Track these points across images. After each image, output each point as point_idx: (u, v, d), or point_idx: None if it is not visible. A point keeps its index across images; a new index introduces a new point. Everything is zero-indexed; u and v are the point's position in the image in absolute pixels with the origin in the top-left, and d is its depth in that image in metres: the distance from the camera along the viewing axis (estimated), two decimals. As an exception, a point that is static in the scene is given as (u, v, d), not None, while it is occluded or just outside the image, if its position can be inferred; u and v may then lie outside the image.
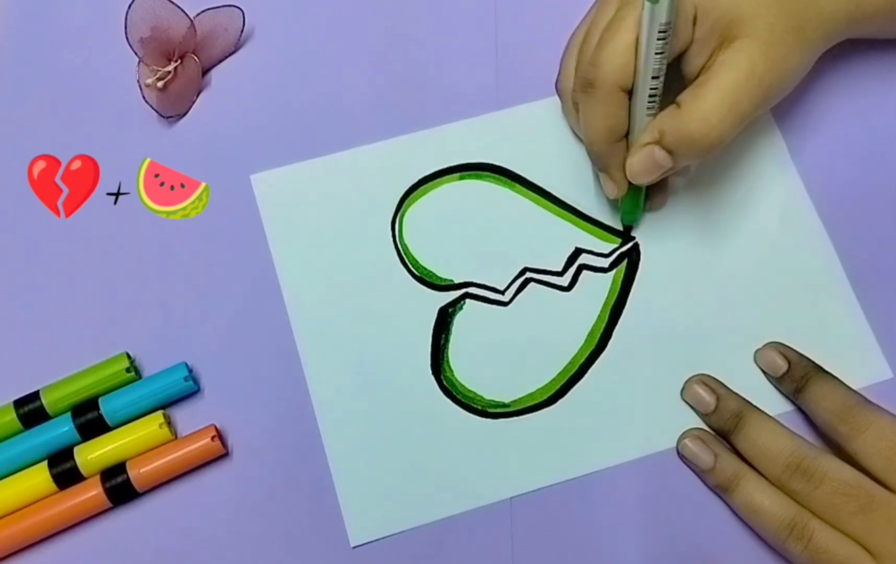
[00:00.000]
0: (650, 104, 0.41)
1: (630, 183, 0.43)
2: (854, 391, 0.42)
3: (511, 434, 0.44)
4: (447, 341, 0.45)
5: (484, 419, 0.44)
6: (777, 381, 0.44)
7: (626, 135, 0.42)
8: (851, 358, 0.44)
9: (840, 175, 0.48)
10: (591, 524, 0.42)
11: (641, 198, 0.45)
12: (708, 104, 0.40)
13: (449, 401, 0.44)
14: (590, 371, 0.45)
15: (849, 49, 0.47)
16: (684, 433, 0.43)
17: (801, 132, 0.49)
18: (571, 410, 0.44)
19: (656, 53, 0.39)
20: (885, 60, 0.49)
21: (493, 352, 0.45)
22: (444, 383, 0.45)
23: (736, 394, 0.43)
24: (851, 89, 0.49)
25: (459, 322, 0.46)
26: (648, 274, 0.46)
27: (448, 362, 0.45)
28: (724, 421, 0.42)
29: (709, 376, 0.44)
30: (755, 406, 0.43)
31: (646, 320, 0.46)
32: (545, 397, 0.44)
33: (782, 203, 0.47)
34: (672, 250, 0.47)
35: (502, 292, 0.46)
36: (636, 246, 0.47)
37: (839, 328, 0.45)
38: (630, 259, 0.47)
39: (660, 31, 0.39)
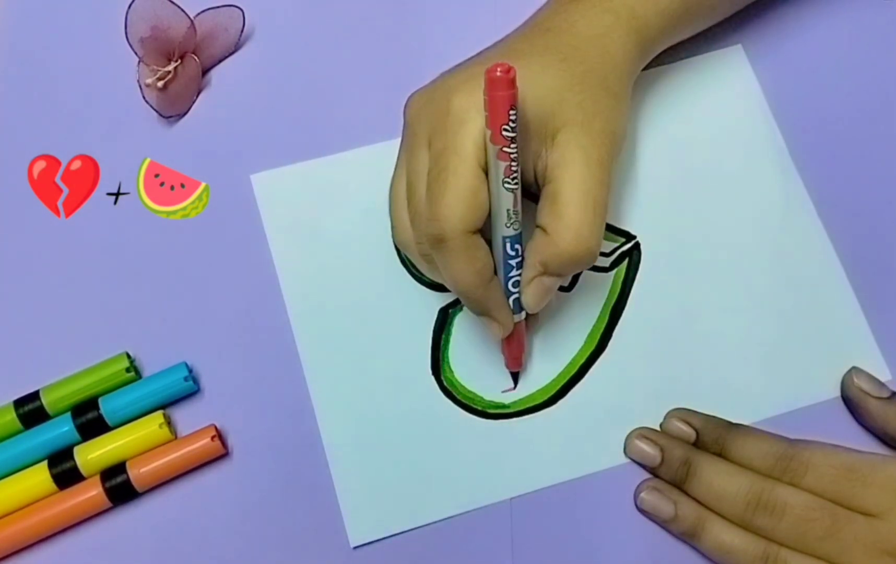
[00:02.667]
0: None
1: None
2: (776, 436, 0.42)
3: (511, 435, 0.44)
4: (447, 341, 0.45)
5: (484, 420, 0.44)
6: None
7: (496, 271, 0.41)
8: (851, 358, 0.44)
9: (840, 175, 0.48)
10: (590, 524, 0.42)
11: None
12: (574, 220, 0.38)
13: (449, 401, 0.44)
14: (590, 372, 0.45)
15: (849, 49, 0.48)
16: (639, 486, 0.42)
17: (801, 132, 0.49)
18: (571, 411, 0.44)
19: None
20: (884, 59, 0.49)
21: (494, 353, 0.45)
22: (444, 383, 0.45)
23: (679, 441, 0.42)
24: (851, 89, 0.49)
25: (459, 322, 0.46)
26: (648, 274, 0.46)
27: (448, 362, 0.45)
28: (673, 471, 0.42)
29: (648, 428, 0.43)
30: (701, 451, 0.42)
31: (646, 320, 0.46)
32: (545, 397, 0.44)
33: (782, 203, 0.47)
34: (672, 250, 0.47)
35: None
36: (637, 246, 0.47)
37: (838, 329, 0.45)
38: (630, 259, 0.47)
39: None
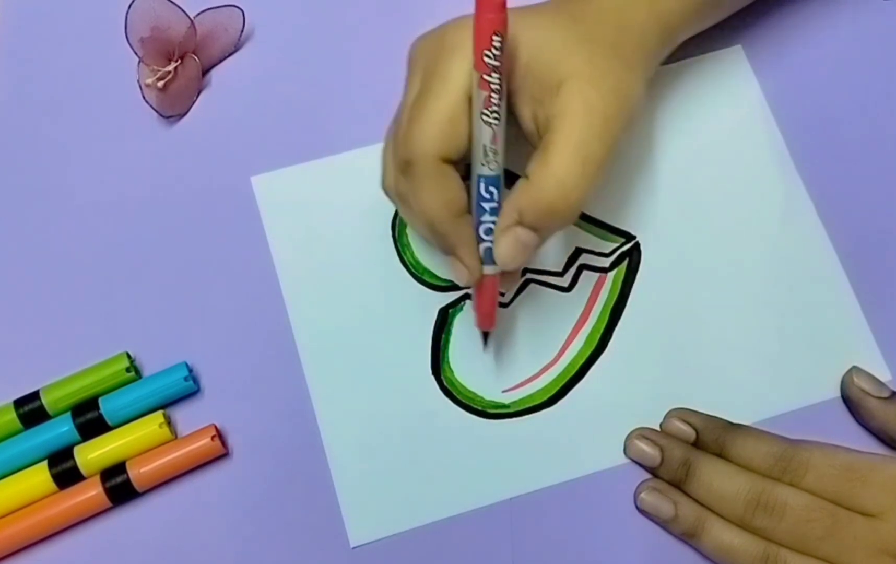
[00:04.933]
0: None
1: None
2: (775, 436, 0.42)
3: (511, 435, 0.44)
4: (447, 341, 0.45)
5: (484, 420, 0.44)
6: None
7: (471, 213, 0.39)
8: (851, 358, 0.44)
9: (840, 175, 0.48)
10: (590, 524, 0.42)
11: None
12: (559, 168, 0.36)
13: (449, 401, 0.44)
14: (589, 372, 0.45)
15: (849, 49, 0.48)
16: (639, 486, 0.42)
17: (801, 132, 0.49)
18: (571, 411, 0.44)
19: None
20: (885, 60, 0.49)
21: (493, 352, 0.45)
22: (444, 383, 0.45)
23: (679, 441, 0.42)
24: (851, 89, 0.49)
25: (459, 323, 0.46)
26: (648, 274, 0.46)
27: (448, 362, 0.45)
28: (673, 472, 0.42)
29: (648, 428, 0.43)
30: (701, 451, 0.42)
31: (646, 320, 0.46)
32: (545, 398, 0.44)
33: (782, 203, 0.47)
34: (672, 250, 0.47)
35: (502, 293, 0.46)
36: (637, 246, 0.47)
37: (838, 329, 0.45)
38: (630, 259, 0.47)
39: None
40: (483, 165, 0.37)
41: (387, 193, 0.42)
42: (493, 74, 0.35)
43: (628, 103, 0.39)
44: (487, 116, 0.36)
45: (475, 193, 0.38)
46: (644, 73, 0.41)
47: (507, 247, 0.38)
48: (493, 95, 0.36)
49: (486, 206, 0.38)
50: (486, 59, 0.35)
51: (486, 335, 0.44)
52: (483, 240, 0.39)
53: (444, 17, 0.52)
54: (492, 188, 0.38)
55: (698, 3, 0.43)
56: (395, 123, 0.41)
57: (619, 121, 0.38)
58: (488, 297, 0.41)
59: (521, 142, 0.40)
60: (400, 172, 0.38)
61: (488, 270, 0.40)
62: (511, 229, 0.38)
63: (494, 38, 0.34)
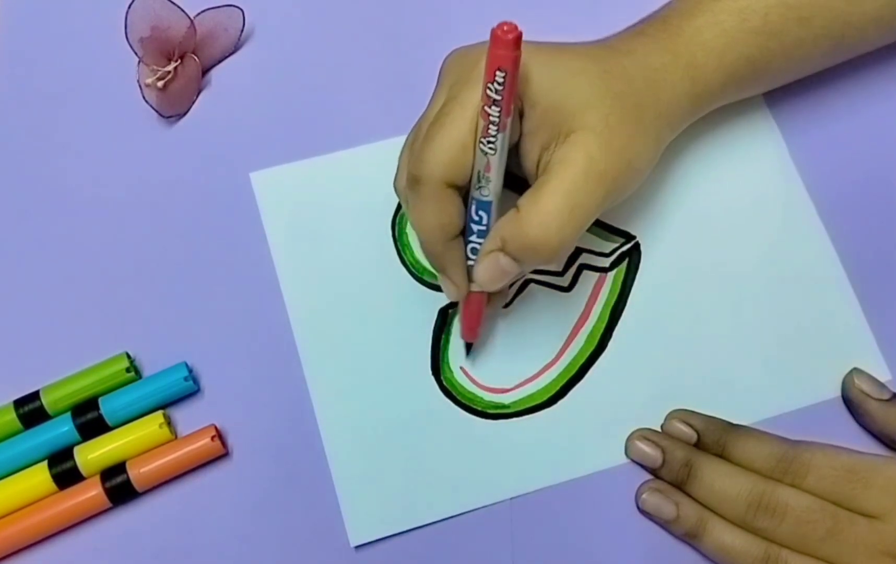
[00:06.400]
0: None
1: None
2: (777, 437, 0.42)
3: (511, 435, 0.44)
4: (447, 341, 0.45)
5: (484, 420, 0.44)
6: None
7: (463, 233, 0.40)
8: (851, 359, 0.44)
9: (840, 175, 0.48)
10: (591, 524, 0.42)
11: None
12: (547, 209, 0.37)
13: (449, 402, 0.44)
14: (590, 372, 0.45)
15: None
16: (641, 486, 0.42)
17: (801, 132, 0.49)
18: (571, 411, 0.44)
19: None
20: (885, 60, 0.49)
21: (494, 352, 0.45)
22: (444, 383, 0.45)
23: (680, 442, 0.42)
24: (852, 89, 0.49)
25: (460, 322, 0.46)
26: (648, 274, 0.46)
27: (448, 362, 0.45)
28: (675, 473, 0.42)
29: (649, 429, 0.43)
30: (702, 452, 0.42)
31: (646, 320, 0.46)
32: (545, 398, 0.44)
33: (782, 203, 0.47)
34: (672, 250, 0.47)
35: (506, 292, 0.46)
36: (637, 246, 0.47)
37: (838, 329, 0.45)
38: (630, 259, 0.47)
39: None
40: (476, 189, 0.39)
41: (397, 192, 0.43)
42: (493, 107, 0.36)
43: (630, 167, 0.40)
44: (483, 145, 0.37)
45: (468, 213, 0.40)
46: (661, 138, 0.43)
47: (487, 270, 0.40)
48: (490, 126, 0.37)
49: (475, 227, 0.40)
50: (488, 92, 0.36)
51: (468, 346, 0.45)
52: (469, 258, 0.41)
53: (444, 16, 0.52)
54: (481, 212, 0.39)
55: (736, 76, 0.44)
56: (416, 129, 0.41)
57: (616, 181, 0.39)
58: (473, 312, 0.43)
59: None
60: (408, 183, 0.39)
61: (475, 287, 0.41)
62: (493, 254, 0.39)
63: (498, 73, 0.35)
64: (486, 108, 0.36)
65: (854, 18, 0.44)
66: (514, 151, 0.40)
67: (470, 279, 0.41)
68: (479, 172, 0.38)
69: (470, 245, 0.40)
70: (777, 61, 0.44)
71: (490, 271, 0.39)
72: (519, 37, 0.35)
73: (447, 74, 0.41)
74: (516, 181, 0.42)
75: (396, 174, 0.42)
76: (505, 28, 0.34)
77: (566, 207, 0.37)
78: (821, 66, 0.47)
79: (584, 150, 0.38)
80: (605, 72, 0.40)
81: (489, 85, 0.36)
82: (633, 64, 0.41)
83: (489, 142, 0.37)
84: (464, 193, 0.39)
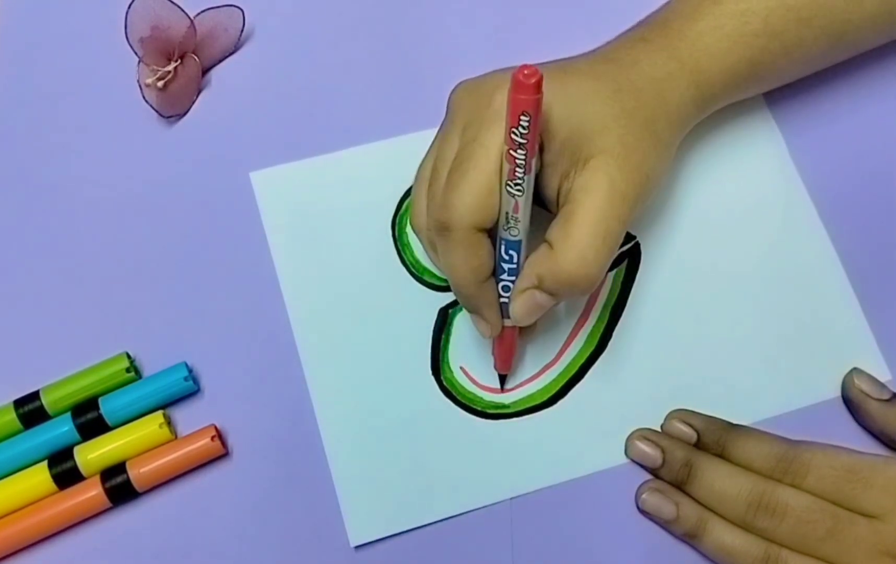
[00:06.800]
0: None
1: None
2: (777, 437, 0.42)
3: (511, 435, 0.44)
4: (447, 341, 0.45)
5: (484, 420, 0.44)
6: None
7: (494, 273, 0.41)
8: (851, 359, 0.44)
9: (840, 175, 0.48)
10: (591, 524, 0.42)
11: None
12: (581, 242, 0.38)
13: (449, 402, 0.44)
14: (589, 372, 0.45)
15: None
16: (641, 486, 0.43)
17: (801, 132, 0.49)
18: (571, 411, 0.44)
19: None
20: (885, 60, 0.49)
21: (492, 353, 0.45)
22: (444, 383, 0.45)
23: (680, 442, 0.43)
24: (851, 89, 0.49)
25: (459, 322, 0.46)
26: (648, 274, 0.46)
27: (448, 362, 0.45)
28: (675, 473, 0.42)
29: (649, 429, 0.43)
30: (702, 452, 0.42)
31: (646, 320, 0.46)
32: (545, 398, 0.44)
33: (782, 203, 0.47)
34: (672, 251, 0.47)
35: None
36: (637, 246, 0.47)
37: (838, 329, 0.45)
38: (630, 259, 0.47)
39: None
40: (505, 230, 0.39)
41: (416, 231, 0.43)
42: (519, 151, 0.36)
43: (649, 181, 0.41)
44: (511, 187, 0.38)
45: (497, 252, 0.40)
46: (673, 146, 0.43)
47: (523, 307, 0.40)
48: (517, 169, 0.37)
49: (506, 266, 0.40)
50: (513, 136, 0.36)
51: (503, 378, 0.45)
52: (501, 296, 0.41)
53: (444, 16, 0.52)
54: (511, 251, 0.40)
55: (738, 78, 0.44)
56: (430, 167, 0.41)
57: (637, 199, 0.40)
58: (507, 345, 0.43)
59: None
60: (435, 229, 0.39)
61: (509, 323, 0.42)
62: (529, 291, 0.39)
63: (522, 117, 0.36)
64: (511, 152, 0.37)
65: (854, 17, 0.44)
66: (535, 181, 0.40)
67: (503, 315, 0.42)
68: (507, 213, 0.38)
69: (501, 283, 0.41)
70: (778, 62, 0.44)
71: (526, 307, 0.40)
72: (540, 80, 0.35)
73: (458, 112, 0.41)
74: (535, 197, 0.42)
75: (413, 214, 0.43)
76: (526, 72, 0.35)
77: (599, 236, 0.38)
78: (821, 66, 0.47)
79: (606, 174, 0.38)
80: (616, 91, 0.40)
81: (514, 129, 0.36)
82: (640, 76, 0.41)
83: (517, 184, 0.37)
84: (491, 232, 0.40)
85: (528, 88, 0.35)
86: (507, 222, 0.39)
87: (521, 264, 0.40)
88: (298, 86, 0.51)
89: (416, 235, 0.43)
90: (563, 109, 0.39)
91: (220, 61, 0.51)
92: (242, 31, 0.51)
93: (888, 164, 0.48)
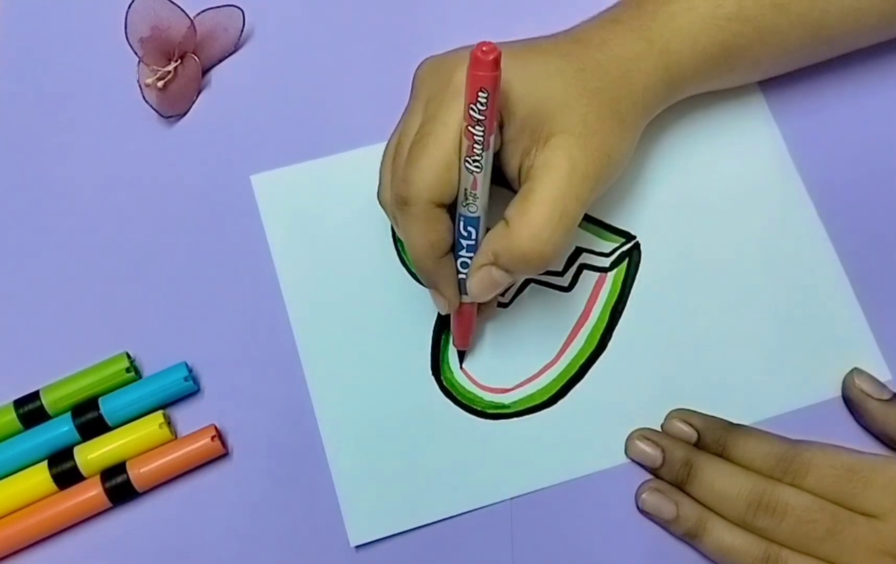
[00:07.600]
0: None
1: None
2: (777, 436, 0.42)
3: (511, 435, 0.44)
4: (447, 341, 0.45)
5: (484, 420, 0.44)
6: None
7: (453, 249, 0.41)
8: (851, 359, 0.44)
9: (840, 175, 0.48)
10: (591, 524, 0.42)
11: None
12: (536, 220, 0.38)
13: (449, 402, 0.44)
14: (590, 372, 0.45)
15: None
16: (641, 486, 0.43)
17: (801, 132, 0.49)
18: (571, 411, 0.44)
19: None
20: (885, 60, 0.49)
21: (493, 353, 0.45)
22: (444, 383, 0.45)
23: (680, 441, 0.43)
24: (851, 88, 0.49)
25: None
26: (649, 274, 0.46)
27: (448, 362, 0.45)
28: (675, 472, 0.42)
29: (649, 429, 0.43)
30: (702, 451, 0.42)
31: (646, 320, 0.46)
32: (545, 398, 0.44)
33: (782, 203, 0.47)
34: (672, 251, 0.47)
35: (502, 293, 0.46)
36: (637, 246, 0.47)
37: (838, 329, 0.45)
38: (630, 259, 0.47)
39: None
40: (463, 206, 0.39)
41: (382, 205, 0.43)
42: (477, 127, 0.37)
43: (611, 162, 0.40)
44: (469, 163, 0.38)
45: (456, 229, 0.40)
46: (638, 128, 0.43)
47: (479, 283, 0.40)
48: (475, 145, 0.37)
49: (465, 242, 0.40)
50: (471, 112, 0.36)
51: (462, 354, 0.45)
52: (460, 272, 0.41)
53: (444, 16, 0.52)
54: (470, 228, 0.40)
55: (710, 62, 0.44)
56: (395, 143, 0.41)
57: (598, 179, 0.40)
58: (465, 322, 0.44)
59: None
60: (395, 203, 0.40)
61: (466, 299, 0.42)
62: (485, 267, 0.40)
63: (480, 94, 0.36)
64: (469, 128, 0.37)
65: (832, 7, 0.44)
66: (496, 158, 0.40)
67: (461, 292, 0.42)
68: (465, 189, 0.39)
69: (460, 260, 0.41)
70: (753, 48, 0.44)
71: (482, 283, 0.40)
72: (499, 57, 0.35)
73: (421, 88, 0.41)
74: (497, 175, 0.42)
75: (379, 188, 0.43)
76: (484, 49, 0.35)
77: (555, 215, 0.38)
78: (802, 61, 0.47)
79: (566, 153, 0.38)
80: (580, 70, 0.40)
81: (472, 105, 0.36)
82: (606, 57, 0.41)
83: (475, 160, 0.38)
84: (451, 209, 0.40)
85: (485, 64, 0.35)
86: (466, 199, 0.39)
87: (480, 241, 0.40)
88: (298, 86, 0.51)
89: (383, 209, 0.43)
90: (523, 86, 0.39)
91: (220, 61, 0.51)
92: (242, 31, 0.51)
93: (889, 164, 0.48)
